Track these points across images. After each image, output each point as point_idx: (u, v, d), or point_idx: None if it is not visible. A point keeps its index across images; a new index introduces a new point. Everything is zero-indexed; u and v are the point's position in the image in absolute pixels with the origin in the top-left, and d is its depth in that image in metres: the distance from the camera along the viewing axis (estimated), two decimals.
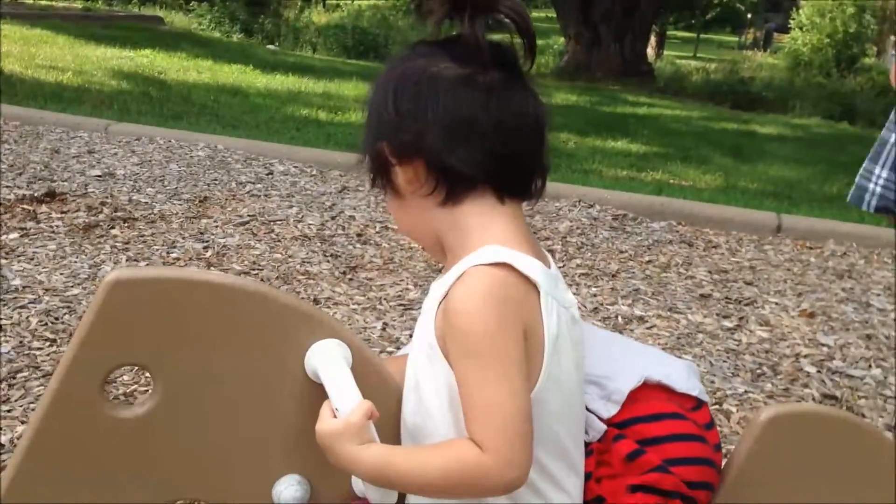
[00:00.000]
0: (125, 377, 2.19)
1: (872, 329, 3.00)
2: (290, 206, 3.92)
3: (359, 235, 3.59)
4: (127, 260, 3.08)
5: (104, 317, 0.93)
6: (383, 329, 2.67)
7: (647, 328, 2.86)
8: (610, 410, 1.10)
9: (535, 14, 25.86)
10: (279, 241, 3.44)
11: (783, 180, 6.00)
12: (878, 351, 2.82)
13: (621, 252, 3.67)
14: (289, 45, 14.06)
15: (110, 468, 0.98)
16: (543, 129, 1.01)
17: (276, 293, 0.99)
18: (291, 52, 13.01)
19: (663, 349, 2.67)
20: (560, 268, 3.33)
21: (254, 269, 3.10)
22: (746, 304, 3.16)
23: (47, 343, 2.37)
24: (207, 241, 3.34)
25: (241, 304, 0.97)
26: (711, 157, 6.67)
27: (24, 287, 2.73)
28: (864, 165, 2.02)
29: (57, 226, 3.36)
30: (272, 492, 1.04)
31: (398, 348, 2.54)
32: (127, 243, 3.25)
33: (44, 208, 3.56)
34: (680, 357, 2.59)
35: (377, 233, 3.65)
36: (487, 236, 0.97)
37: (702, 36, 29.93)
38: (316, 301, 2.86)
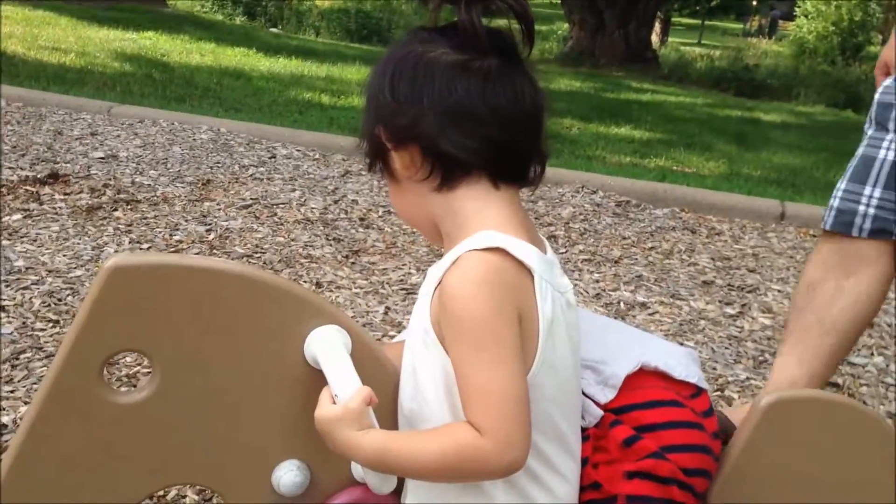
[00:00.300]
0: (128, 359, 2.20)
1: (875, 317, 2.99)
2: (293, 190, 3.91)
3: (361, 219, 3.59)
4: (129, 242, 3.08)
5: (103, 302, 0.93)
6: (385, 313, 2.67)
7: (650, 314, 2.86)
8: (607, 395, 1.10)
9: (538, 0, 25.77)
10: (282, 224, 3.44)
11: (787, 168, 5.98)
12: (879, 339, 2.82)
13: (624, 238, 3.66)
14: (292, 28, 14.01)
15: (109, 453, 0.98)
16: (541, 115, 1.01)
17: (276, 279, 0.99)
18: (294, 36, 12.97)
19: (665, 336, 2.67)
20: (563, 253, 3.34)
21: (256, 253, 3.10)
22: (749, 292, 3.16)
23: (50, 324, 2.37)
24: (210, 224, 3.34)
25: (241, 291, 0.97)
26: (715, 145, 6.65)
27: (26, 268, 2.73)
28: (840, 187, 1.82)
29: (60, 207, 3.36)
30: (272, 477, 1.05)
31: (400, 332, 2.54)
32: (130, 226, 3.25)
33: (47, 190, 3.55)
34: (682, 344, 2.59)
35: (380, 217, 3.65)
36: (482, 221, 0.97)
37: (706, 23, 29.82)
38: (318, 285, 2.86)
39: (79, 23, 9.46)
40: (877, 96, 1.80)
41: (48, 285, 2.62)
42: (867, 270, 1.79)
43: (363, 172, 4.33)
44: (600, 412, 1.09)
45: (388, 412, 1.04)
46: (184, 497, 1.74)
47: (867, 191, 1.77)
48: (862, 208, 1.77)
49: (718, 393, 2.34)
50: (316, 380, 0.99)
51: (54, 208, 3.35)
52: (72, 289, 2.61)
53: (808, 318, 1.83)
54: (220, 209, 3.55)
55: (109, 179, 3.79)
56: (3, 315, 2.40)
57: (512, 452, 0.91)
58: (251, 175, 4.10)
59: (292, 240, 3.27)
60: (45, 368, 2.14)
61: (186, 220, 3.37)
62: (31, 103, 5.11)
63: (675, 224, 3.95)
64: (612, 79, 11.60)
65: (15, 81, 5.64)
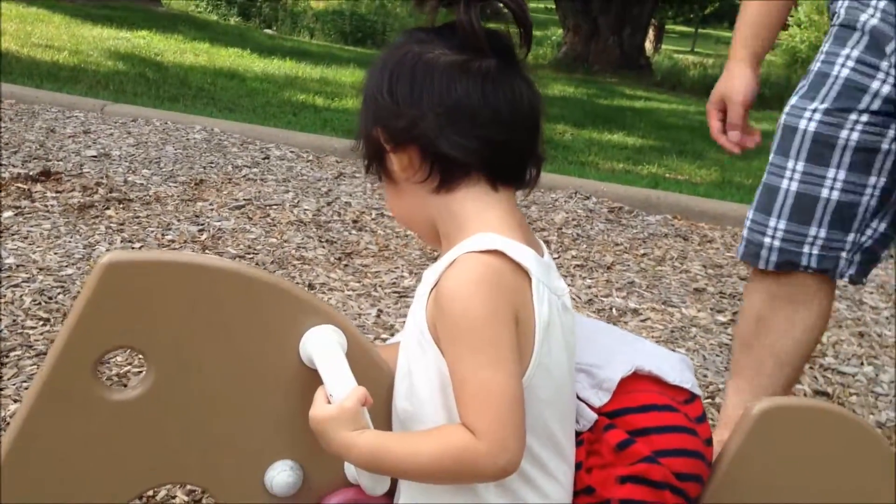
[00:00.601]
0: (118, 358, 2.19)
1: (865, 326, 3.01)
2: (286, 191, 3.90)
3: (354, 222, 3.59)
4: (121, 241, 3.07)
5: (98, 299, 0.92)
6: (378, 316, 2.67)
7: (641, 321, 2.87)
8: (601, 399, 1.10)
9: (533, 4, 25.81)
10: (275, 225, 3.43)
11: None
12: (870, 349, 2.83)
13: (616, 244, 3.67)
14: (286, 29, 14.00)
15: (102, 450, 0.98)
16: (538, 116, 1.01)
17: (272, 278, 0.99)
18: (289, 37, 12.97)
19: (657, 342, 2.68)
20: (555, 259, 3.34)
21: (249, 254, 3.10)
22: (740, 300, 3.16)
23: (41, 322, 2.36)
24: (203, 224, 3.34)
25: (237, 289, 0.96)
26: (707, 152, 6.66)
27: (17, 266, 2.72)
28: (749, 217, 1.75)
29: (52, 205, 3.35)
30: (265, 477, 1.04)
31: (392, 335, 2.54)
32: (122, 224, 3.24)
33: (39, 187, 3.54)
34: (673, 350, 2.60)
35: (373, 220, 3.64)
36: (480, 223, 0.97)
37: (700, 31, 29.91)
38: (311, 287, 2.86)
39: (72, 21, 9.43)
40: (782, 119, 1.72)
41: (39, 283, 2.61)
42: (815, 300, 1.75)
43: (357, 175, 4.32)
44: (594, 416, 1.09)
45: (382, 413, 1.04)
46: (173, 497, 1.73)
47: (772, 222, 1.71)
48: (768, 240, 1.71)
49: (709, 400, 2.34)
50: (310, 380, 0.99)
51: (46, 206, 3.33)
52: (63, 287, 2.60)
53: (761, 353, 1.79)
54: (212, 209, 3.54)
55: (102, 178, 3.78)
56: None
57: (506, 455, 0.91)
58: (244, 176, 4.09)
59: (285, 241, 3.27)
60: (36, 367, 2.13)
61: (179, 220, 3.36)
62: (23, 100, 5.09)
63: (667, 231, 3.96)
64: (606, 85, 11.63)
65: (8, 79, 5.62)
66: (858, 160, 1.61)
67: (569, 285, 3.06)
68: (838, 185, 1.63)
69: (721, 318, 2.95)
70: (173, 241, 3.14)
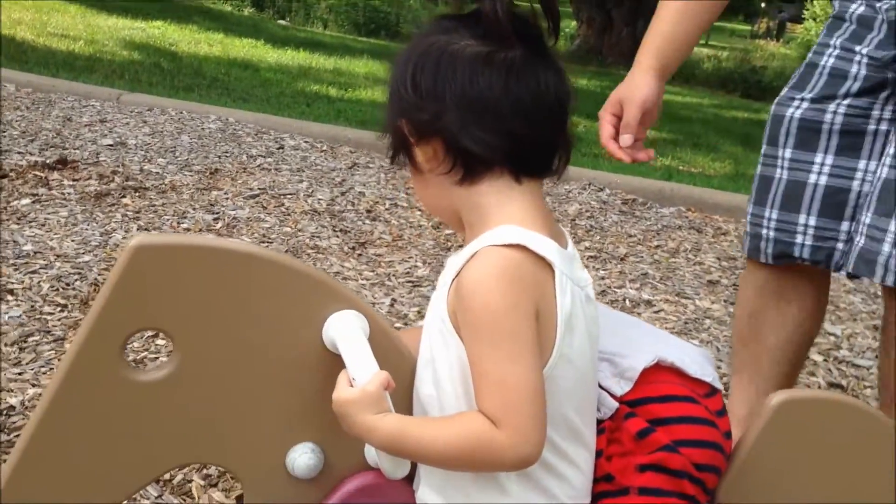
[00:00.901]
0: (135, 344, 2.21)
1: (880, 320, 3.00)
2: (301, 181, 3.92)
3: (368, 212, 3.60)
4: (138, 229, 3.09)
5: (126, 281, 0.93)
6: (391, 305, 2.68)
7: (655, 312, 2.87)
8: (623, 388, 1.10)
9: None
10: (289, 214, 3.45)
11: None
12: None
13: (630, 236, 3.67)
14: (300, 20, 13.99)
15: (126, 430, 0.99)
16: (565, 107, 1.00)
17: (296, 263, 1.00)
18: (302, 28, 12.96)
19: (670, 333, 2.68)
20: None
21: (263, 242, 3.11)
22: None
23: (58, 308, 2.38)
24: (218, 213, 3.35)
25: (263, 273, 0.97)
26: (721, 145, 6.64)
27: (35, 252, 2.74)
28: (749, 211, 1.73)
29: (68, 193, 3.37)
30: (286, 459, 1.05)
31: (406, 324, 2.55)
32: (138, 213, 3.26)
33: (55, 175, 3.56)
34: (687, 342, 2.60)
35: (386, 209, 3.65)
36: (503, 216, 0.97)
37: (714, 23, 29.74)
38: None
39: (88, 10, 9.46)
40: (772, 109, 1.69)
41: (56, 269, 2.63)
42: (805, 297, 1.73)
43: (370, 165, 4.33)
44: (616, 404, 1.09)
45: (403, 397, 1.05)
46: (189, 481, 1.75)
47: (767, 213, 1.68)
48: (764, 231, 1.68)
49: (722, 392, 2.34)
50: (333, 364, 1.00)
51: (63, 194, 3.36)
52: (80, 274, 2.62)
53: (757, 349, 1.78)
54: (227, 198, 3.56)
55: (118, 166, 3.80)
56: (11, 298, 2.41)
57: (527, 446, 0.92)
58: (259, 165, 4.10)
59: (299, 230, 3.28)
60: (54, 352, 2.15)
61: (194, 209, 3.38)
62: (40, 89, 5.12)
63: (681, 223, 3.95)
64: (619, 77, 11.47)
65: (24, 67, 5.65)
66: (845, 144, 1.59)
67: None
68: (826, 169, 1.61)
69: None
70: (189, 230, 3.15)
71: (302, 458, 1.05)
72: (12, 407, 1.90)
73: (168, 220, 3.22)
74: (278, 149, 4.46)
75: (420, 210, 3.68)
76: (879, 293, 3.26)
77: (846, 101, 1.58)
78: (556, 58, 0.99)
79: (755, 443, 1.12)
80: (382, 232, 3.37)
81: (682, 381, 1.13)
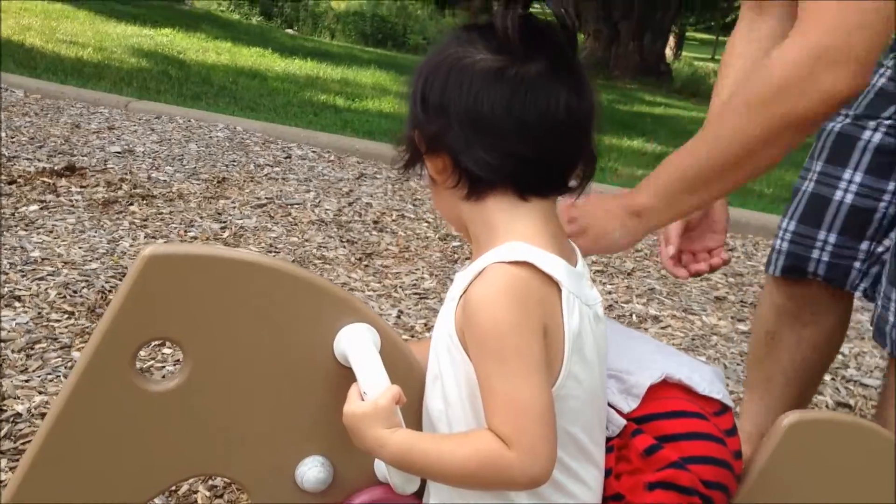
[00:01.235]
0: (142, 353, 2.20)
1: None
2: (308, 191, 3.92)
3: (375, 223, 3.60)
4: (145, 237, 3.09)
5: (138, 290, 0.93)
6: (398, 317, 2.68)
7: (662, 328, 2.86)
8: (630, 404, 1.10)
9: None
10: (296, 224, 3.45)
11: None
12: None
13: (637, 251, 3.66)
14: (307, 29, 14.06)
15: (137, 440, 0.99)
16: (580, 123, 0.97)
17: (309, 275, 1.00)
18: (310, 38, 13.01)
19: (677, 349, 2.67)
20: None
21: (270, 252, 3.11)
22: None
23: (65, 315, 2.38)
24: (225, 222, 3.35)
25: (275, 284, 0.97)
26: None
27: (42, 259, 2.74)
28: (788, 228, 1.66)
29: (76, 200, 3.37)
30: (295, 472, 1.05)
31: (413, 336, 2.55)
32: (145, 220, 3.26)
33: (63, 182, 3.57)
34: (695, 358, 2.59)
35: (393, 220, 3.65)
36: (510, 233, 0.96)
37: (721, 38, 29.79)
38: None
39: (97, 17, 9.51)
40: (834, 125, 1.62)
41: (63, 276, 2.63)
42: (823, 320, 1.69)
43: (378, 176, 4.34)
44: (623, 421, 1.08)
45: (413, 412, 1.05)
46: (195, 492, 1.74)
47: (784, 223, 1.64)
48: (779, 242, 1.63)
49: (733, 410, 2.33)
50: (344, 377, 0.99)
51: (70, 200, 3.36)
52: (87, 281, 2.62)
53: (771, 369, 1.75)
54: (234, 207, 3.56)
55: (126, 174, 3.81)
56: (18, 304, 2.41)
57: (538, 465, 0.91)
58: (266, 174, 4.11)
59: (306, 240, 3.28)
60: (61, 359, 2.15)
61: (201, 217, 3.38)
62: (48, 95, 5.14)
63: None
64: (626, 91, 11.61)
65: (33, 73, 5.67)
66: (878, 163, 1.55)
67: None
68: (853, 187, 1.57)
69: (742, 326, 2.94)
70: (196, 239, 3.15)
71: (311, 471, 1.04)
72: (19, 414, 1.90)
73: (175, 228, 3.22)
74: (286, 158, 4.47)
75: (427, 222, 3.68)
76: None
77: (888, 122, 1.54)
78: (580, 70, 0.97)
79: (766, 463, 1.11)
80: (389, 243, 3.37)
81: (690, 397, 1.12)
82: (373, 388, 0.94)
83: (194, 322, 0.95)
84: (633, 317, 2.92)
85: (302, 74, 7.93)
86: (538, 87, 0.93)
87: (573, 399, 0.97)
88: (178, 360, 2.18)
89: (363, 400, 0.95)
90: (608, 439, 1.08)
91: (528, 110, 0.92)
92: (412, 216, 3.74)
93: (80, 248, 2.89)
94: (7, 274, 2.59)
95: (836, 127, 1.60)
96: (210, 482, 1.77)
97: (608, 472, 1.06)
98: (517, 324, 0.90)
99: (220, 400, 0.99)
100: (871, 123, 1.56)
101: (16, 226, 3.00)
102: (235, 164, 4.22)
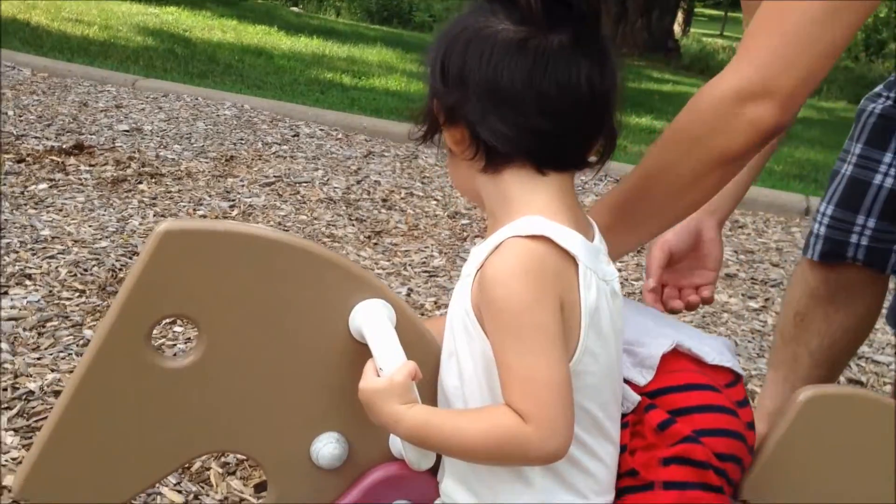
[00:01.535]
0: (154, 331, 2.21)
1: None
2: (316, 169, 3.91)
3: (384, 201, 3.59)
4: (154, 215, 3.09)
5: (153, 266, 0.92)
6: (408, 295, 2.68)
7: None
8: (646, 377, 1.09)
9: None
10: (304, 202, 3.44)
11: (809, 163, 5.94)
12: None
13: None
14: (312, 7, 13.97)
15: (152, 417, 0.99)
16: (601, 98, 0.95)
17: (324, 251, 0.99)
18: (315, 15, 12.94)
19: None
20: None
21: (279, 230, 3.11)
22: (772, 286, 3.14)
23: (76, 293, 2.39)
24: (233, 200, 3.35)
25: (290, 261, 0.96)
26: None
27: (53, 237, 2.74)
28: (827, 213, 1.65)
29: (85, 178, 3.37)
30: (310, 448, 1.05)
31: (423, 314, 2.55)
32: (154, 199, 3.26)
33: (72, 160, 3.57)
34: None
35: (402, 199, 3.64)
36: (527, 207, 0.95)
37: (730, 14, 29.57)
38: None
39: None
40: (875, 106, 1.59)
41: (74, 255, 2.63)
42: (856, 303, 1.67)
43: (386, 153, 4.32)
44: (637, 397, 1.08)
45: (429, 388, 1.04)
46: (208, 469, 1.75)
47: (822, 207, 1.62)
48: (816, 226, 1.62)
49: (744, 378, 2.33)
50: (359, 353, 0.99)
51: (80, 179, 3.36)
52: (97, 259, 2.63)
53: (798, 350, 1.74)
54: (243, 185, 3.55)
55: (134, 152, 3.80)
56: (29, 283, 2.41)
57: (555, 440, 0.90)
58: (274, 152, 4.10)
59: (315, 218, 3.27)
60: (72, 337, 2.16)
61: (210, 196, 3.37)
62: (56, 74, 5.13)
63: None
64: (633, 68, 11.53)
65: (39, 52, 5.65)
66: None
67: None
68: (893, 171, 1.54)
69: (753, 304, 2.94)
70: (205, 217, 3.15)
71: (326, 447, 1.04)
72: (31, 392, 1.91)
73: (184, 206, 3.22)
74: (293, 136, 4.45)
75: (436, 199, 3.67)
76: None
77: None
78: (604, 43, 0.95)
79: (783, 437, 1.11)
80: (398, 221, 3.36)
81: (701, 369, 1.11)
82: (389, 363, 0.94)
83: (209, 298, 0.95)
84: None
85: (308, 52, 7.89)
86: (560, 59, 0.91)
87: (589, 375, 0.96)
88: (189, 339, 2.19)
89: (379, 376, 0.95)
90: (623, 415, 1.08)
91: (548, 83, 0.91)
92: (421, 194, 3.73)
93: (89, 226, 2.89)
94: (18, 252, 2.59)
95: (876, 108, 1.57)
96: (223, 459, 1.78)
97: (623, 448, 1.06)
98: (534, 299, 0.89)
99: (236, 376, 0.99)
100: None
101: (25, 204, 3.01)
102: (243, 142, 4.21)
